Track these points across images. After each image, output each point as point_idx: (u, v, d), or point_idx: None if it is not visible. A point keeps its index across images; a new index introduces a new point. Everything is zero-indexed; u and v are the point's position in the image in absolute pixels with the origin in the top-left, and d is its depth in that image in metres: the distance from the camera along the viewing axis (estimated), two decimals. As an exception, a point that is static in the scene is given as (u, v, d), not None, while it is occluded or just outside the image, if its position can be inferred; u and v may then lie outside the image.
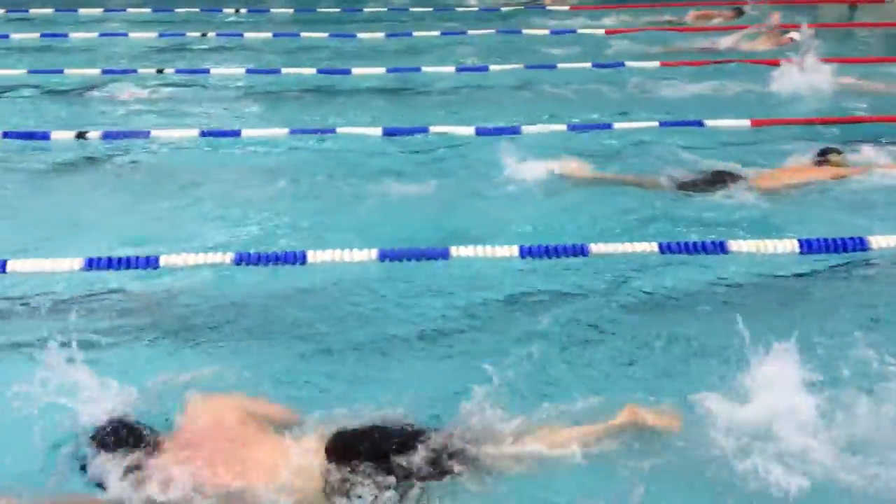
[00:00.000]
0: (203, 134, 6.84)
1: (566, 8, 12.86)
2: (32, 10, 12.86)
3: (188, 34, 11.09)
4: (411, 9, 13.13)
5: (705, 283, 4.30)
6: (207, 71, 9.09)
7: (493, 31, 11.17)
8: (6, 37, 10.89)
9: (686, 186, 5.42)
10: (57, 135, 6.66)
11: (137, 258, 4.36)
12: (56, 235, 4.90)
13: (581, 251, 4.45)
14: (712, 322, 3.84)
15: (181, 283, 4.31)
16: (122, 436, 2.69)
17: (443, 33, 11.12)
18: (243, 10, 13.22)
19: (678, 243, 4.53)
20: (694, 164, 5.81)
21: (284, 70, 9.05)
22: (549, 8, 13.01)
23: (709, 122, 6.81)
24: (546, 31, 11.09)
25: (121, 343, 3.71)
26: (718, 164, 5.70)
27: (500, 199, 5.50)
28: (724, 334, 3.33)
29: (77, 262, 4.33)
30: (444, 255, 4.46)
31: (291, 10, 13.54)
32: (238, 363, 3.48)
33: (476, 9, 13.35)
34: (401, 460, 2.69)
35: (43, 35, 10.96)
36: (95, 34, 11.13)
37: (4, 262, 4.27)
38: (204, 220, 5.18)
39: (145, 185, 5.97)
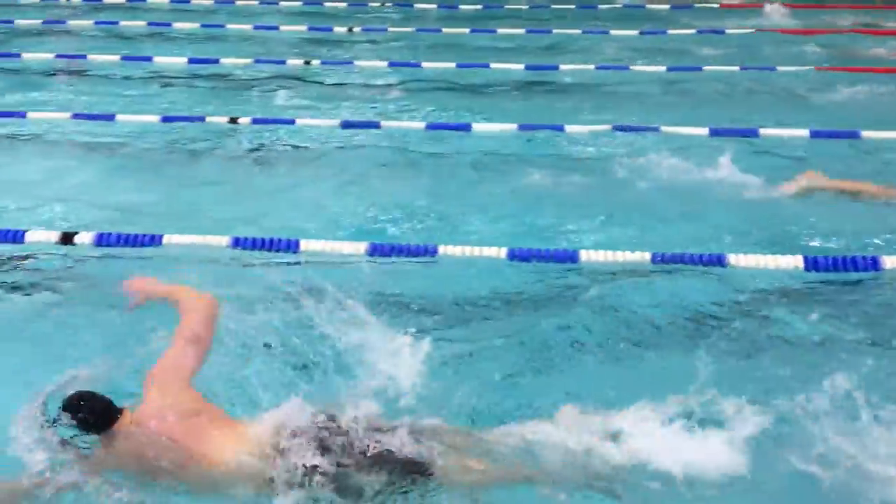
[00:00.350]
0: (344, 124, 7.08)
1: (716, 6, 12.44)
2: (194, 1, 13.67)
3: (335, 28, 11.48)
4: (553, 6, 13.06)
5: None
6: (351, 63, 9.38)
7: (636, 31, 10.93)
8: (169, 25, 11.65)
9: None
10: (211, 119, 7.07)
11: (280, 240, 4.56)
12: (207, 213, 5.20)
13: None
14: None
15: (317, 267, 4.47)
16: (88, 406, 2.70)
17: (584, 31, 11.00)
18: (389, 5, 13.55)
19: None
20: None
21: (425, 64, 9.21)
22: (696, 6, 12.61)
23: (865, 134, 6.41)
24: (692, 31, 10.76)
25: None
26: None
27: (634, 200, 5.40)
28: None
29: (224, 240, 4.58)
30: (574, 257, 4.43)
31: (434, 6, 13.75)
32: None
33: (620, 6, 13.11)
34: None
35: (203, 25, 11.65)
36: (250, 26, 11.71)
37: (161, 237, 4.57)
38: (341, 208, 5.35)
39: (288, 171, 6.25)
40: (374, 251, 4.53)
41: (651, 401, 2.96)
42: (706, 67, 8.83)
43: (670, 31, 10.87)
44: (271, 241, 4.56)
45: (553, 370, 3.54)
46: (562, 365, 3.58)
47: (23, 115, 7.06)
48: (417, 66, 9.23)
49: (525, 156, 6.40)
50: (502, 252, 4.46)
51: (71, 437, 2.69)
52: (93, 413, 2.68)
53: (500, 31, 11.27)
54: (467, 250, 4.50)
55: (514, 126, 6.89)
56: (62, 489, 2.57)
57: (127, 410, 2.74)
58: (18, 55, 9.44)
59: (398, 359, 3.28)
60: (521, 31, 11.23)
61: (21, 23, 11.73)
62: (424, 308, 4.04)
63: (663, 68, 8.85)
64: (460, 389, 3.20)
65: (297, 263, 4.49)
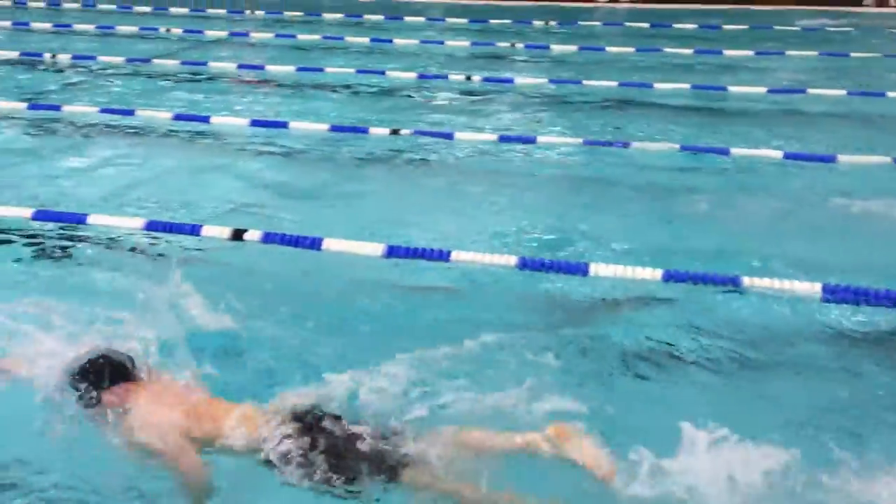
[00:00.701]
0: (501, 139, 7.13)
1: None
2: (366, 17, 14.27)
3: (498, 44, 11.62)
4: (724, 27, 12.61)
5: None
6: (511, 80, 9.44)
7: (814, 52, 10.34)
8: (341, 38, 12.21)
9: None
10: (374, 130, 7.32)
11: (432, 250, 4.64)
12: (365, 220, 5.38)
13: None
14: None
15: (466, 278, 4.52)
16: (104, 369, 2.98)
17: (757, 53, 10.54)
18: (553, 23, 13.56)
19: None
20: None
21: (586, 82, 9.13)
22: (887, 30, 11.78)
23: None
24: (878, 55, 10.05)
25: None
26: None
27: (801, 230, 5.10)
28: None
29: (379, 248, 4.71)
30: (736, 282, 4.23)
31: (598, 23, 13.64)
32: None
33: (798, 28, 12.46)
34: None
35: (372, 39, 12.14)
36: (416, 40, 12.07)
37: (321, 240, 4.77)
38: (495, 221, 5.38)
39: (445, 182, 6.36)
40: (525, 265, 4.51)
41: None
42: (890, 93, 8.22)
43: (853, 55, 10.21)
44: (424, 250, 4.65)
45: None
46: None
47: (206, 120, 7.60)
48: (578, 83, 9.16)
49: (686, 178, 6.20)
50: (658, 274, 4.33)
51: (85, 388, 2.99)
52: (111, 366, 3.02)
53: (667, 49, 10.99)
54: (619, 270, 4.39)
55: (675, 147, 6.69)
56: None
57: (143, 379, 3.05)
58: (205, 63, 10.20)
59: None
60: (689, 50, 10.90)
61: (209, 33, 12.68)
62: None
63: (843, 92, 8.32)
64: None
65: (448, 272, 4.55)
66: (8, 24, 13.37)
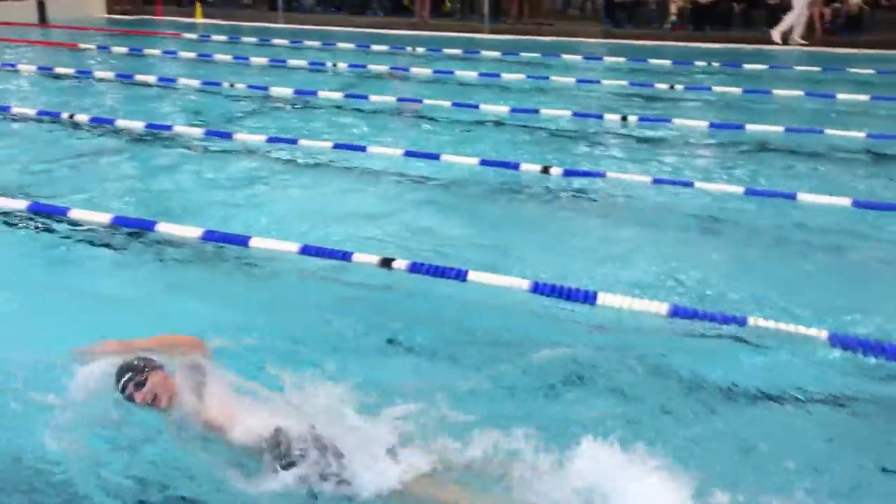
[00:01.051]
0: (655, 181, 6.92)
1: None
2: (524, 55, 14.40)
3: (657, 85, 11.37)
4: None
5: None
6: (669, 121, 9.19)
7: None
8: (497, 76, 12.36)
9: None
10: (525, 166, 7.31)
11: (577, 291, 4.53)
12: (511, 255, 5.35)
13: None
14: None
15: (614, 326, 4.37)
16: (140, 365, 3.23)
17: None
18: (716, 64, 13.14)
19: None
20: None
21: (750, 126, 8.74)
22: None
23: None
24: None
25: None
26: None
27: None
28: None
29: (524, 283, 4.65)
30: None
31: (765, 66, 13.09)
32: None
33: None
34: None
35: (529, 76, 12.21)
36: (573, 79, 12.04)
37: (466, 272, 4.77)
38: (645, 266, 5.20)
39: (594, 222, 6.24)
40: (676, 314, 4.32)
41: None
42: None
43: None
44: (569, 290, 4.55)
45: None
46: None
47: (363, 149, 7.87)
48: (741, 127, 8.79)
49: (858, 235, 5.75)
50: (822, 334, 4.00)
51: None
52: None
53: (840, 96, 10.37)
54: (782, 326, 4.11)
55: (847, 201, 6.23)
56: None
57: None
58: (366, 97, 10.60)
59: None
60: (866, 97, 10.23)
61: (372, 68, 13.19)
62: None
63: None
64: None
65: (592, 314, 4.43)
66: (193, 54, 14.50)
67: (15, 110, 9.46)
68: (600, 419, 3.28)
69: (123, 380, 3.20)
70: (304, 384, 3.26)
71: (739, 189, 6.66)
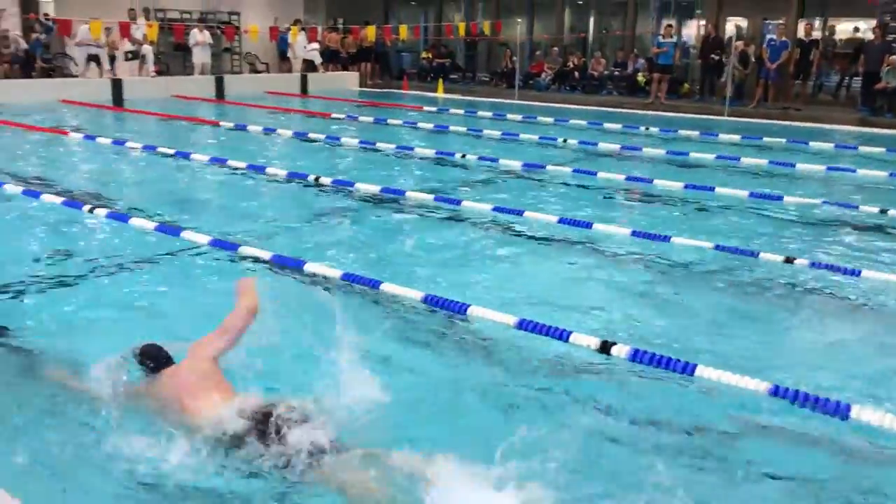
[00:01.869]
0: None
1: None
2: (766, 139, 13.60)
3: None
4: None
5: None
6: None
7: None
8: (737, 159, 11.71)
9: None
10: (765, 255, 6.71)
11: (827, 401, 3.95)
12: (744, 349, 4.84)
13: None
14: None
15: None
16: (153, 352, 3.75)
17: None
18: None
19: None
20: None
21: None
22: None
23: None
24: None
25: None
26: None
27: None
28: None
29: (763, 385, 4.14)
30: None
31: None
32: None
33: None
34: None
35: (771, 162, 11.45)
36: (823, 167, 11.12)
37: (694, 366, 4.35)
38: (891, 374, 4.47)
39: (833, 323, 5.52)
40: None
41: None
42: None
43: None
44: (817, 399, 3.98)
45: None
46: None
47: (588, 226, 7.66)
48: None
49: None
50: None
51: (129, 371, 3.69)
52: (155, 359, 3.74)
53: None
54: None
55: None
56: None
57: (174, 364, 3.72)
58: (595, 173, 10.43)
59: None
60: None
61: (603, 146, 13.05)
62: None
63: None
64: None
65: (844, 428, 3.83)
66: (431, 125, 15.23)
67: (269, 171, 10.34)
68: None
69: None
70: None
71: None
